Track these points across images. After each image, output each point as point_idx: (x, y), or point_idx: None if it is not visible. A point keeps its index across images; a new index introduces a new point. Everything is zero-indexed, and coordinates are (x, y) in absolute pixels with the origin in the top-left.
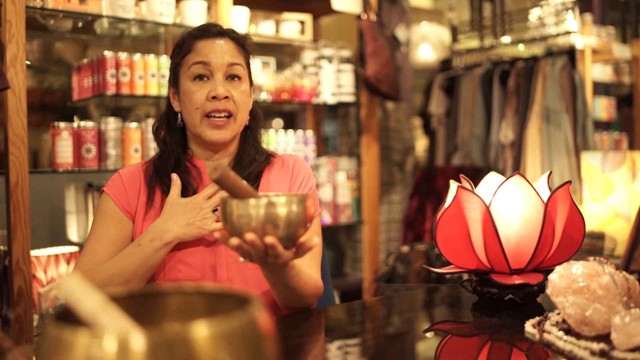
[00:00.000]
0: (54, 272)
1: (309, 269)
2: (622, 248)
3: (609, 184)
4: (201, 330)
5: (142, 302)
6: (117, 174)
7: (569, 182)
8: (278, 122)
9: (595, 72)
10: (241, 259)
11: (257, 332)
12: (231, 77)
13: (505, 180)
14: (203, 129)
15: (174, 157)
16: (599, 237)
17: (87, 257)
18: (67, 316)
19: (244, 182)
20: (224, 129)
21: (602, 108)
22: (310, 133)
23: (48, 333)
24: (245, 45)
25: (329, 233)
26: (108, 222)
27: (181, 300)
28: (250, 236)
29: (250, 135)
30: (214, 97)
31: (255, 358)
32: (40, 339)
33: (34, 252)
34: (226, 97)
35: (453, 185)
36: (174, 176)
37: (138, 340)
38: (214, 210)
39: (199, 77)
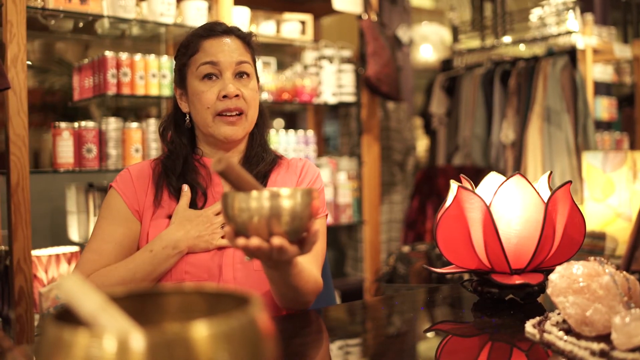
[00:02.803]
0: (54, 272)
1: (309, 265)
2: (623, 248)
3: (609, 184)
4: (201, 330)
5: (142, 302)
6: (126, 170)
7: (570, 182)
8: (279, 122)
9: (596, 72)
10: (246, 257)
11: (256, 332)
12: (240, 75)
13: (506, 180)
14: (216, 127)
15: (182, 158)
16: (600, 237)
17: (91, 255)
18: (67, 316)
19: (249, 176)
20: (236, 125)
21: (603, 108)
22: (311, 133)
23: (48, 333)
24: (250, 43)
25: (330, 233)
26: (116, 221)
27: (181, 300)
28: (254, 242)
29: (257, 134)
30: (224, 96)
31: (255, 358)
32: (39, 338)
33: (34, 252)
34: (237, 96)
35: (453, 185)
36: (185, 187)
37: (138, 340)
38: (223, 226)
39: (208, 76)
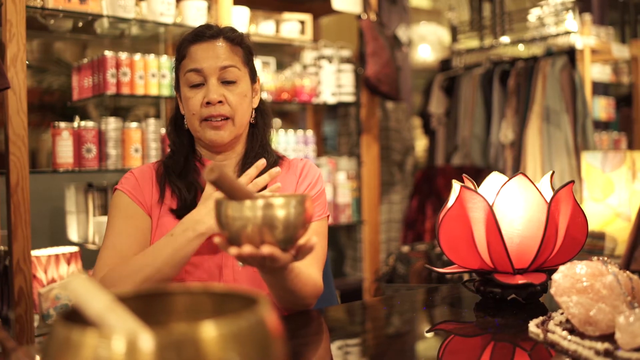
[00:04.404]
0: (54, 273)
1: (309, 268)
2: (622, 248)
3: (609, 184)
4: (210, 331)
5: (149, 302)
6: (130, 173)
7: (572, 182)
8: (277, 122)
9: (594, 72)
10: (240, 263)
11: (265, 332)
12: (225, 80)
13: (508, 180)
14: (202, 131)
15: (183, 157)
16: (599, 237)
17: (107, 252)
18: (74, 316)
19: (243, 184)
20: (222, 129)
21: (601, 108)
22: (310, 133)
23: (56, 333)
24: (242, 44)
25: (329, 233)
26: (124, 215)
27: (188, 300)
28: (247, 249)
29: (257, 134)
30: (208, 103)
31: (264, 358)
32: (47, 338)
33: (34, 252)
34: (220, 102)
35: (456, 185)
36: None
37: (146, 340)
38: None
39: (193, 82)
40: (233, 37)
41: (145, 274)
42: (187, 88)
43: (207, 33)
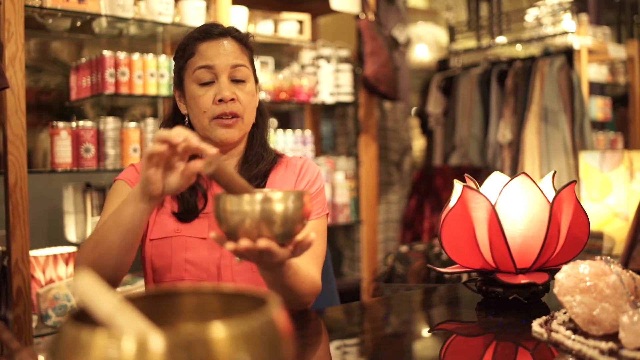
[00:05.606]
0: (52, 273)
1: (307, 266)
2: (620, 247)
3: (607, 184)
4: (220, 331)
5: (157, 302)
6: (132, 166)
7: (574, 181)
8: (274, 121)
9: (591, 72)
10: (237, 258)
11: (275, 332)
12: (236, 79)
13: (511, 180)
14: (212, 130)
15: None
16: (598, 236)
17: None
18: (82, 316)
19: (241, 178)
20: (232, 127)
21: (597, 108)
22: (308, 133)
23: (65, 333)
24: (248, 44)
25: (328, 233)
26: (118, 200)
27: (195, 300)
28: (244, 243)
29: (257, 133)
30: (220, 100)
31: (275, 358)
32: (56, 338)
33: (32, 253)
34: (232, 100)
35: (458, 185)
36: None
37: (156, 341)
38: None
39: (204, 80)
40: (240, 37)
41: (96, 236)
42: (196, 86)
43: (214, 31)
